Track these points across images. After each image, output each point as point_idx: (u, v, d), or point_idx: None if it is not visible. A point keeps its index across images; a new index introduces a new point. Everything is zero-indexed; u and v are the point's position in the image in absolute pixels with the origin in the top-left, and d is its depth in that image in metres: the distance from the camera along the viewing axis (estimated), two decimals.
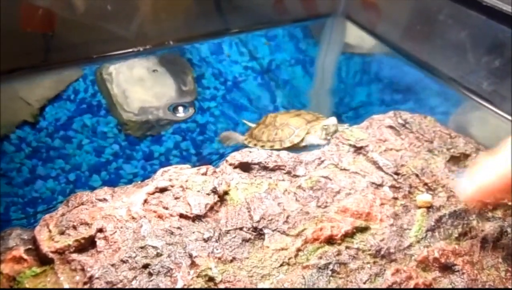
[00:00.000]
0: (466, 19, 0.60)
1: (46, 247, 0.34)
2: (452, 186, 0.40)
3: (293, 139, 0.54)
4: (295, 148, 0.53)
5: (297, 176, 0.42)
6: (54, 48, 0.62)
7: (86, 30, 0.64)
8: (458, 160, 0.45)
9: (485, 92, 0.59)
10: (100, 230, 0.34)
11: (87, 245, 0.34)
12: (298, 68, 0.72)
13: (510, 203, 0.41)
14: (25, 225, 0.46)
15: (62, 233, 0.35)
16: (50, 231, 0.35)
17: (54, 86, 0.61)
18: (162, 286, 0.30)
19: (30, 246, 0.35)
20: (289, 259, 0.33)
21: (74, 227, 0.35)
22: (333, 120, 0.52)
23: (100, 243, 0.33)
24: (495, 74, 0.58)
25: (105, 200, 0.38)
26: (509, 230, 0.38)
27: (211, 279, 0.31)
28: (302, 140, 0.54)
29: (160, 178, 0.40)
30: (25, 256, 0.34)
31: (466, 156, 0.45)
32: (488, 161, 0.32)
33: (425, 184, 0.41)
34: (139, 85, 0.65)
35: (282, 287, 0.31)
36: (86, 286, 0.31)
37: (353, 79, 0.71)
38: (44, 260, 0.34)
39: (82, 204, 0.37)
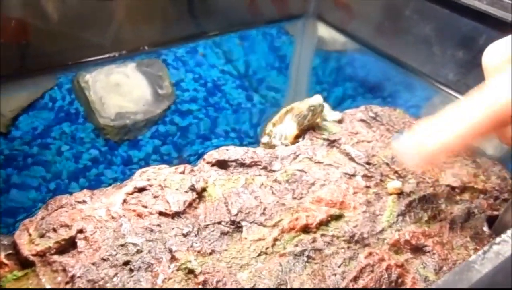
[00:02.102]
0: (431, 14, 0.62)
1: (27, 250, 0.34)
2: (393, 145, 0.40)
3: None
4: None
5: (273, 171, 0.43)
6: (29, 57, 0.62)
7: (60, 38, 0.64)
8: None
9: (452, 83, 0.61)
10: (80, 231, 0.35)
11: (68, 246, 0.34)
12: (273, 67, 0.74)
13: (476, 186, 0.43)
14: (5, 233, 0.46)
15: (42, 236, 0.35)
16: (30, 235, 0.36)
17: (28, 96, 0.61)
18: (143, 280, 0.31)
19: (11, 251, 0.36)
20: (267, 248, 0.34)
21: (54, 230, 0.35)
22: (318, 98, 0.48)
23: (80, 244, 0.34)
24: (461, 65, 0.60)
25: (84, 202, 0.38)
26: (476, 211, 0.40)
27: (190, 271, 0.32)
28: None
29: (139, 178, 0.41)
30: (5, 261, 0.34)
31: None
32: (424, 124, 0.32)
33: (396, 172, 0.43)
34: (116, 91, 0.65)
35: (260, 275, 0.32)
36: (68, 286, 0.32)
37: (327, 76, 0.73)
38: (25, 264, 0.34)
39: (62, 207, 0.38)
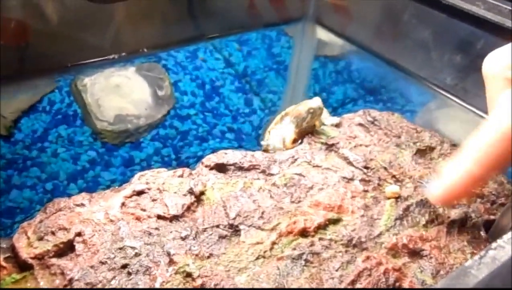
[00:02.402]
0: (429, 19, 0.62)
1: (25, 253, 0.34)
2: (424, 193, 0.41)
3: None
4: None
5: (272, 174, 0.43)
6: (29, 59, 0.62)
7: (60, 40, 0.64)
8: (424, 152, 0.47)
9: (450, 87, 0.61)
10: (79, 234, 0.35)
11: (66, 249, 0.34)
12: (272, 71, 0.74)
13: (473, 191, 0.43)
14: (3, 235, 0.46)
15: (40, 239, 0.35)
16: (28, 238, 0.36)
17: (28, 98, 0.61)
18: (141, 283, 0.31)
19: (9, 254, 0.36)
20: (265, 252, 0.34)
21: (53, 233, 0.35)
22: (318, 101, 0.47)
23: (78, 247, 0.34)
24: (458, 70, 0.61)
25: (82, 205, 0.38)
26: (473, 215, 0.40)
27: (188, 274, 0.32)
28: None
29: (137, 181, 0.41)
30: (4, 264, 0.34)
31: (431, 149, 0.47)
32: (449, 165, 0.33)
33: (393, 176, 0.43)
34: (115, 93, 0.65)
35: (258, 279, 0.32)
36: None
37: (326, 80, 0.73)
38: (23, 267, 0.34)
39: (60, 210, 0.38)
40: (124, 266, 0.32)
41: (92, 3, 0.61)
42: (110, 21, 0.66)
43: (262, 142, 0.52)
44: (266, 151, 0.49)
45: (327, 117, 0.51)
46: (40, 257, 0.34)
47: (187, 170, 0.43)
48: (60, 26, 0.62)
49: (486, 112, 0.32)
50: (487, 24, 0.56)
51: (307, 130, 0.48)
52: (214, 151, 0.45)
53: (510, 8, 0.54)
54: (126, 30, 0.69)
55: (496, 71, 0.32)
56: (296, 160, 0.45)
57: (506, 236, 0.26)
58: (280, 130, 0.49)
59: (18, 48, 0.62)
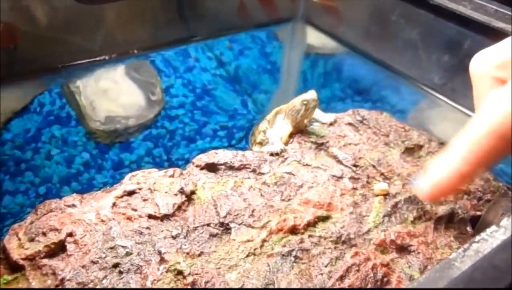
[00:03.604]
0: (417, 19, 0.63)
1: (16, 254, 0.34)
2: (412, 190, 0.42)
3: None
4: None
5: (262, 173, 0.44)
6: (18, 61, 0.62)
7: (50, 42, 0.64)
8: (412, 150, 0.48)
9: (438, 86, 0.62)
10: (70, 234, 0.35)
11: (57, 249, 0.34)
12: (264, 71, 0.74)
13: (460, 188, 0.43)
14: None
15: (31, 240, 0.35)
16: (19, 239, 0.36)
17: (20, 100, 0.61)
18: (132, 282, 0.32)
19: (0, 256, 0.36)
20: (255, 249, 0.34)
21: (44, 233, 0.35)
22: (312, 94, 0.47)
23: (70, 247, 0.34)
24: (446, 69, 0.62)
25: (73, 205, 0.38)
26: (460, 211, 0.41)
27: (179, 272, 0.32)
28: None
29: (128, 182, 0.41)
30: None
31: (419, 147, 0.48)
32: (436, 162, 0.33)
33: (382, 174, 0.43)
34: (106, 95, 0.65)
35: (249, 275, 0.32)
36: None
37: (316, 79, 0.74)
38: (15, 268, 0.34)
39: (51, 211, 0.38)
40: (116, 265, 0.33)
41: (80, 4, 0.61)
42: (99, 22, 0.66)
43: (254, 143, 0.53)
44: (261, 149, 0.49)
45: (323, 115, 0.51)
46: (31, 258, 0.34)
47: (178, 170, 0.43)
48: (49, 27, 0.62)
49: (473, 111, 0.33)
50: (474, 24, 0.56)
51: (300, 128, 0.49)
52: (204, 150, 0.46)
53: (495, 9, 0.55)
54: (117, 32, 0.69)
55: (483, 70, 0.33)
56: (286, 159, 0.46)
57: (489, 230, 0.27)
58: (275, 129, 0.50)
59: (6, 51, 0.62)
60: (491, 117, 0.29)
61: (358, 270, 0.33)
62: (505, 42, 0.32)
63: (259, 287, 0.32)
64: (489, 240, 0.26)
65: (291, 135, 0.48)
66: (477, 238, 0.26)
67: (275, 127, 0.50)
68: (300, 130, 0.49)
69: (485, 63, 0.33)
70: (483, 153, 0.30)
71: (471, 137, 0.30)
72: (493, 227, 0.27)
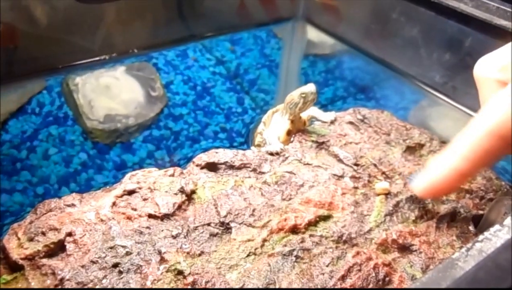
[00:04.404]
0: (418, 17, 0.63)
1: (16, 254, 0.34)
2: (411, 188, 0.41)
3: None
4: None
5: (263, 173, 0.43)
6: (17, 62, 0.62)
7: (50, 42, 0.64)
8: (413, 149, 0.47)
9: (439, 85, 0.62)
10: (69, 234, 0.35)
11: (57, 249, 0.34)
12: (263, 70, 0.74)
13: (462, 186, 0.43)
14: None
15: (31, 239, 0.35)
16: (19, 239, 0.36)
17: (17, 100, 0.61)
18: (132, 282, 0.31)
19: (0, 256, 0.36)
20: (256, 249, 0.34)
21: (43, 233, 0.35)
22: (311, 87, 0.46)
23: (69, 247, 0.34)
24: (447, 67, 0.61)
25: (73, 205, 0.38)
26: (462, 210, 0.41)
27: (180, 272, 0.32)
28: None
29: (128, 181, 0.41)
30: None
31: (421, 146, 0.48)
32: (436, 160, 0.34)
33: (383, 173, 0.43)
34: (106, 92, 0.65)
35: (249, 275, 0.32)
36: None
37: (317, 78, 0.74)
38: (14, 268, 0.34)
39: (51, 210, 0.38)
40: (115, 265, 0.32)
41: (80, 4, 0.61)
42: (99, 22, 0.65)
43: (254, 142, 0.52)
44: (261, 148, 0.48)
45: (323, 114, 0.51)
46: (30, 258, 0.34)
47: (178, 169, 0.43)
48: (49, 27, 0.62)
49: (475, 110, 0.33)
50: (475, 22, 0.56)
51: (299, 124, 0.48)
52: (205, 150, 0.45)
53: (497, 6, 0.54)
54: (116, 31, 0.69)
55: (487, 74, 0.33)
56: (287, 158, 0.45)
57: (493, 229, 0.26)
58: (272, 129, 0.50)
59: (6, 51, 0.62)
60: (492, 117, 0.30)
61: (359, 270, 0.33)
62: (508, 46, 0.32)
63: (260, 287, 0.31)
64: (493, 239, 0.25)
65: (289, 133, 0.48)
66: (480, 237, 0.26)
67: (271, 127, 0.50)
68: (298, 129, 0.49)
69: (488, 67, 0.33)
70: (483, 152, 0.30)
71: (471, 137, 0.31)
72: (496, 226, 0.26)
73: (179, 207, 0.38)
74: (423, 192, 0.34)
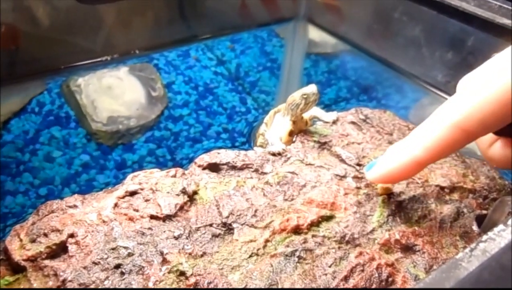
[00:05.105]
0: (420, 16, 0.63)
1: (18, 255, 0.34)
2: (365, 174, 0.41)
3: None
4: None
5: (265, 173, 0.43)
6: (19, 62, 0.62)
7: (51, 43, 0.64)
8: None
9: (441, 84, 0.62)
10: (71, 235, 0.35)
11: (59, 250, 0.34)
12: (265, 70, 0.74)
13: (465, 186, 0.43)
14: None
15: (33, 241, 0.35)
16: (21, 240, 0.36)
17: (19, 101, 0.61)
18: (134, 283, 0.31)
19: (2, 257, 0.35)
20: (258, 249, 0.34)
21: (45, 235, 0.35)
22: (312, 88, 0.46)
23: (71, 248, 0.34)
24: (449, 66, 0.61)
25: (75, 206, 0.38)
26: (465, 210, 0.40)
27: (182, 273, 0.32)
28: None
29: (130, 182, 0.41)
30: None
31: None
32: (394, 147, 0.35)
33: None
34: (108, 93, 0.65)
35: (252, 276, 0.32)
36: None
37: (319, 78, 0.73)
38: (16, 269, 0.34)
39: (53, 212, 0.38)
40: (117, 266, 0.32)
41: (82, 5, 0.61)
42: (100, 23, 0.65)
43: (256, 143, 0.52)
44: (263, 149, 0.48)
45: (325, 114, 0.51)
46: (33, 259, 0.34)
47: (180, 170, 0.43)
48: (50, 28, 0.62)
49: None
50: (477, 21, 0.56)
51: (301, 124, 0.48)
52: (207, 150, 0.45)
53: (499, 5, 0.54)
54: (118, 32, 0.69)
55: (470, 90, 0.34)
56: (289, 158, 0.45)
57: (497, 229, 0.26)
58: (273, 129, 0.49)
59: (8, 52, 0.62)
60: (457, 110, 0.31)
61: (362, 270, 0.33)
62: (488, 64, 0.33)
63: (263, 287, 0.31)
64: (497, 239, 0.25)
65: (291, 134, 0.48)
66: (484, 237, 0.26)
67: (273, 128, 0.50)
68: (300, 129, 0.49)
69: (471, 84, 0.34)
70: (444, 144, 0.31)
71: (434, 127, 0.32)
72: (500, 226, 0.26)
73: (181, 208, 0.38)
74: (378, 178, 0.35)
